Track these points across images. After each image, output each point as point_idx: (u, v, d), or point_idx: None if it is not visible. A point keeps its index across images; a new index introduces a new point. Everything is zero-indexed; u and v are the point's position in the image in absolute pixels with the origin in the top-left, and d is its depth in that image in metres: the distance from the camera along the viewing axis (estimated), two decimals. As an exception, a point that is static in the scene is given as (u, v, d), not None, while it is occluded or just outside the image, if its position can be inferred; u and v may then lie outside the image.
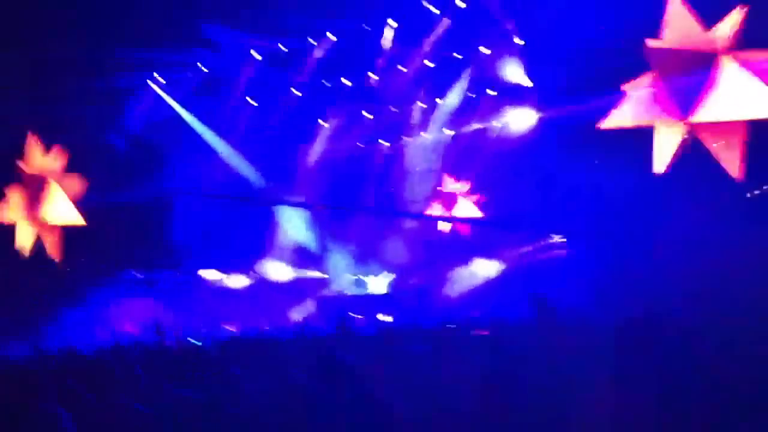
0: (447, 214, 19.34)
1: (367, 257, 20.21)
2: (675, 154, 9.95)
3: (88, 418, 5.11)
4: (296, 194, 19.97)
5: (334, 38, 18.44)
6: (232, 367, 6.42)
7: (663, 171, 10.13)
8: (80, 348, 10.30)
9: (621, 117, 10.09)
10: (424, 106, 20.03)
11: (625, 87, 10.26)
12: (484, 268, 19.18)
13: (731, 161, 9.69)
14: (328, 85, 19.41)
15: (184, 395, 5.53)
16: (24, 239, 12.97)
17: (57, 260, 12.86)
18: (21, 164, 12.81)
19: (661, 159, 9.95)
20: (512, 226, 18.24)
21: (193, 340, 10.73)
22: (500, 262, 19.18)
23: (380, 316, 17.60)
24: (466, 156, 20.04)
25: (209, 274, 20.21)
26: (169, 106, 18.94)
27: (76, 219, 12.63)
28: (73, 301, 16.82)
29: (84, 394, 5.48)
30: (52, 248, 12.88)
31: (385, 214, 20.23)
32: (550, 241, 18.79)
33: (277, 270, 20.37)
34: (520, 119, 19.30)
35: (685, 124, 9.60)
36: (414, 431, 4.84)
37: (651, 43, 10.12)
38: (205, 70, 18.53)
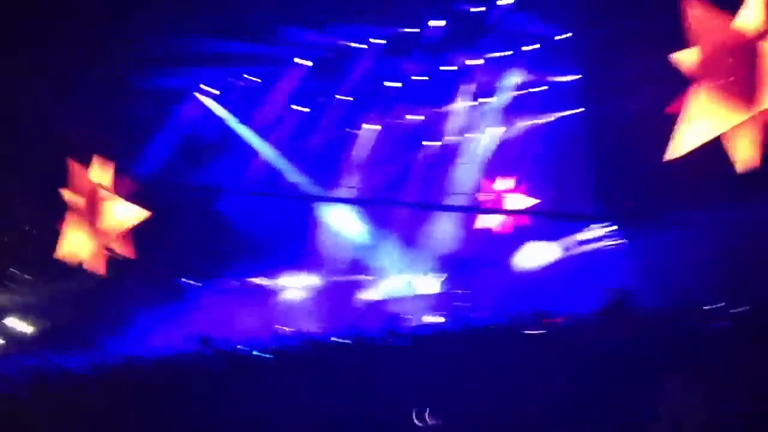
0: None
1: (415, 256, 20.03)
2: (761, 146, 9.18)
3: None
4: (341, 192, 19.92)
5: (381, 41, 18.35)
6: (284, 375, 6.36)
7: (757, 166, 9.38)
8: (135, 359, 10.38)
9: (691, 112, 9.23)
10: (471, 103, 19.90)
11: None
12: (536, 260, 18.89)
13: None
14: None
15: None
16: (67, 248, 13.00)
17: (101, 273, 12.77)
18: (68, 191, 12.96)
19: (749, 156, 9.18)
20: (562, 216, 17.86)
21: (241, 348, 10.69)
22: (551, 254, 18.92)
23: (428, 318, 17.39)
24: (514, 153, 19.86)
25: (259, 281, 20.24)
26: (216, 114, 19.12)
27: (140, 214, 12.55)
28: (127, 311, 17.07)
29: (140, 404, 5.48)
30: (99, 262, 12.87)
31: (430, 207, 20.02)
32: (603, 231, 18.45)
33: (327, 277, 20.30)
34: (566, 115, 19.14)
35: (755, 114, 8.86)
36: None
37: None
38: (256, 79, 18.65)
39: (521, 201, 19.61)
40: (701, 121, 9.16)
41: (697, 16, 9.28)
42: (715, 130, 9.33)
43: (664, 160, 9.62)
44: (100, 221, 12.89)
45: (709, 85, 9.18)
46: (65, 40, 14.62)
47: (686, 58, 9.47)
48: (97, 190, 13.01)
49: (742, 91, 9.11)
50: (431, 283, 19.85)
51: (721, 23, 9.32)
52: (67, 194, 13.25)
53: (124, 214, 12.87)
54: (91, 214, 13.47)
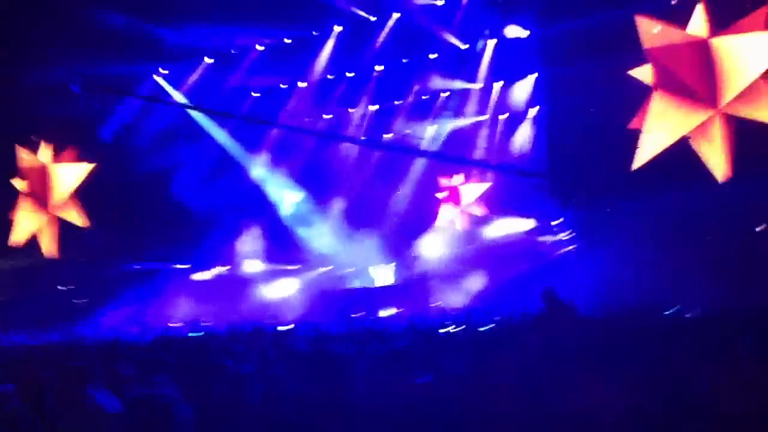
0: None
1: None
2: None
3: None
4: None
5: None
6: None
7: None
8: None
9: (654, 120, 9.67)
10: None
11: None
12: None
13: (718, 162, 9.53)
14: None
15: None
16: (22, 232, 12.96)
17: (54, 255, 12.79)
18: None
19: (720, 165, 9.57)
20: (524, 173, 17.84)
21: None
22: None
23: (383, 312, 17.29)
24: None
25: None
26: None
27: (84, 168, 12.50)
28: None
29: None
30: (51, 242, 12.88)
31: (386, 148, 19.84)
32: (560, 236, 18.56)
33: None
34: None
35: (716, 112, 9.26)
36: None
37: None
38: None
39: (475, 189, 19.70)
40: (663, 126, 9.57)
41: (650, 32, 9.73)
42: (677, 133, 9.75)
43: (631, 169, 9.95)
44: (51, 194, 12.84)
45: (667, 94, 9.62)
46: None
47: (642, 74, 9.97)
48: (45, 168, 12.98)
49: (701, 93, 9.54)
50: (386, 273, 19.63)
51: (673, 34, 9.74)
52: (16, 181, 13.21)
53: (69, 176, 12.84)
54: (41, 191, 13.46)
